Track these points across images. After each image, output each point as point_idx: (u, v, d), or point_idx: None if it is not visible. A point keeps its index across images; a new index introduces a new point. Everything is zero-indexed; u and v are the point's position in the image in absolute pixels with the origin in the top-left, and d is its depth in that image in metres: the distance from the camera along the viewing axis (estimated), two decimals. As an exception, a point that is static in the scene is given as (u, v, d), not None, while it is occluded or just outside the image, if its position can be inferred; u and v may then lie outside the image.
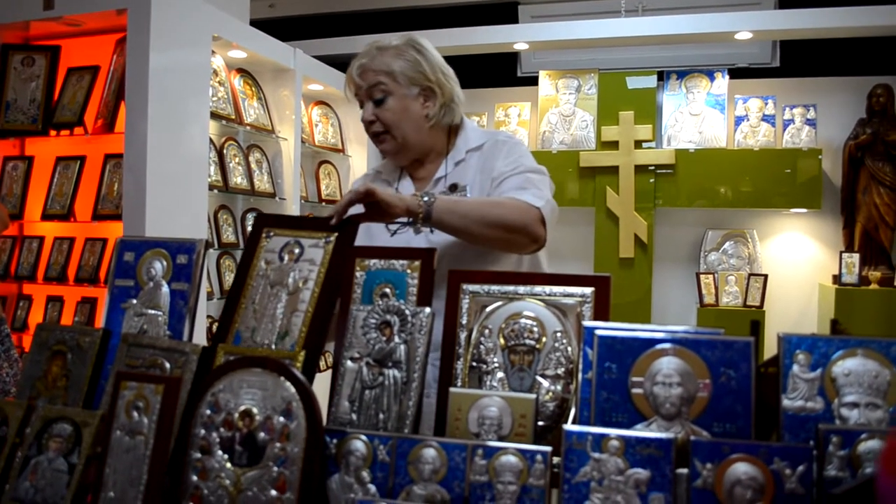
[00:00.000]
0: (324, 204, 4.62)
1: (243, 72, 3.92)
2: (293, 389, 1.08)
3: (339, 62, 4.67)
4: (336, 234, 1.35)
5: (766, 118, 4.63)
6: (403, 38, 1.77)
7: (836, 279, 4.36)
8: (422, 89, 1.75)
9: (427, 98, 1.76)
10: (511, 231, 1.59)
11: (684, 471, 0.96)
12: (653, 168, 4.66)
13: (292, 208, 4.04)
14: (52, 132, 3.21)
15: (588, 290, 1.21)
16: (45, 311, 3.34)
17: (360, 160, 4.78)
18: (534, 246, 1.66)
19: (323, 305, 1.29)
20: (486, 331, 1.23)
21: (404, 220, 1.56)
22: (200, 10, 3.19)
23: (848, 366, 1.03)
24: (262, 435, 1.08)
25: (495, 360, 1.21)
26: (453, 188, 1.75)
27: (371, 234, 1.71)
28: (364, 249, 1.35)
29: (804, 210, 4.56)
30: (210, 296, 3.53)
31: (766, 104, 4.63)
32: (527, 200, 1.61)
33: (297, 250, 1.35)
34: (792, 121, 4.59)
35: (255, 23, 3.86)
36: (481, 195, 1.73)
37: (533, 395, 1.12)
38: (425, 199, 1.50)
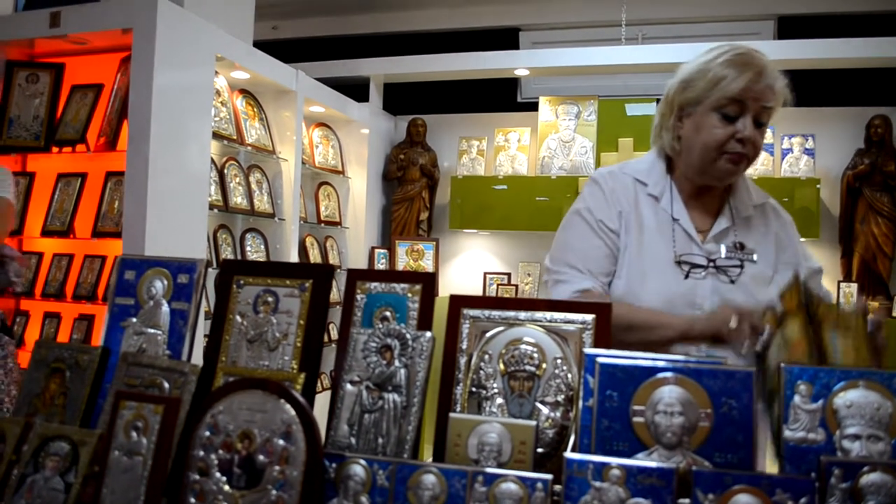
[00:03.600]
0: (322, 225, 4.62)
1: (245, 92, 3.94)
2: (293, 412, 1.08)
3: (341, 84, 4.71)
4: (311, 281, 1.31)
5: (765, 147, 4.64)
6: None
7: (834, 309, 4.35)
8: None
9: None
10: None
11: (685, 501, 0.96)
12: (651, 195, 4.66)
13: (291, 229, 4.04)
14: (55, 149, 3.23)
15: (589, 317, 1.21)
16: (42, 327, 3.33)
17: (359, 182, 4.79)
18: None
19: (308, 358, 1.26)
20: (486, 356, 1.23)
21: (703, 262, 1.64)
22: (205, 31, 3.22)
23: (850, 397, 1.03)
24: (260, 457, 1.07)
25: (495, 385, 1.21)
26: (740, 247, 1.72)
27: (661, 269, 1.67)
28: (365, 272, 1.34)
29: (802, 239, 4.55)
30: (209, 315, 3.52)
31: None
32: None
33: (270, 299, 1.31)
34: (790, 150, 4.62)
35: (258, 44, 3.89)
36: (764, 261, 1.74)
37: (533, 422, 1.11)
38: None
